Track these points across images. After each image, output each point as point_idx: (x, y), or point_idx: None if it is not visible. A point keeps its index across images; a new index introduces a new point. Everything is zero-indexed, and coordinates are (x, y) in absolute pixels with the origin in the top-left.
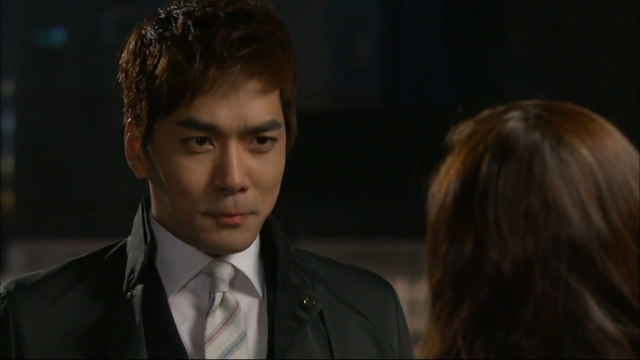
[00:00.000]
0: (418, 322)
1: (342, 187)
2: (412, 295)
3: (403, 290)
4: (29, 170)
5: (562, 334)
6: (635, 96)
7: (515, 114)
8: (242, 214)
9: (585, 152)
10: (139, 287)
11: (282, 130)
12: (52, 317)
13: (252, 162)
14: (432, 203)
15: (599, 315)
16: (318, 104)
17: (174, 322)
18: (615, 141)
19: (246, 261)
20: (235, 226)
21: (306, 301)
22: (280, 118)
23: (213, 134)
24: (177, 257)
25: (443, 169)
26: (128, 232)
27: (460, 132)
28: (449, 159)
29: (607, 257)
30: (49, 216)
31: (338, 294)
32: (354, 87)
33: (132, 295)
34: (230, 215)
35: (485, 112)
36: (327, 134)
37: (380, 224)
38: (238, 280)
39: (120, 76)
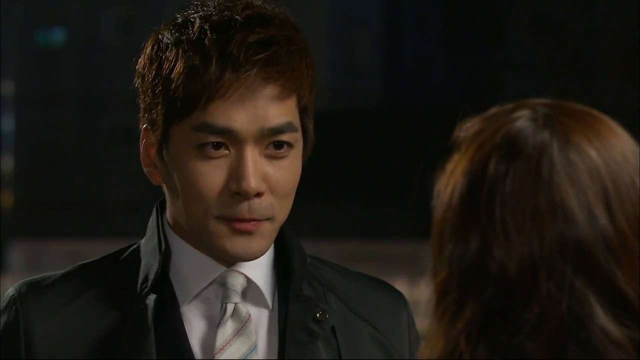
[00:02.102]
0: (418, 321)
1: (342, 187)
2: (412, 295)
3: (403, 291)
4: (29, 170)
5: (565, 336)
6: (635, 96)
7: (524, 113)
8: (256, 220)
9: (592, 153)
10: (152, 298)
11: (299, 136)
12: (64, 321)
13: (269, 168)
14: (437, 201)
15: (603, 318)
16: (318, 104)
17: (185, 332)
18: (622, 142)
19: (259, 272)
20: (248, 233)
21: (319, 315)
22: (297, 122)
23: (229, 139)
24: (191, 266)
25: (449, 167)
26: (128, 233)
27: (467, 129)
28: (456, 157)
29: (612, 259)
30: (48, 216)
31: (350, 305)
32: (354, 87)
33: (144, 305)
34: (244, 220)
35: (493, 110)
36: (327, 134)
37: (380, 224)
38: (250, 291)
39: (137, 81)
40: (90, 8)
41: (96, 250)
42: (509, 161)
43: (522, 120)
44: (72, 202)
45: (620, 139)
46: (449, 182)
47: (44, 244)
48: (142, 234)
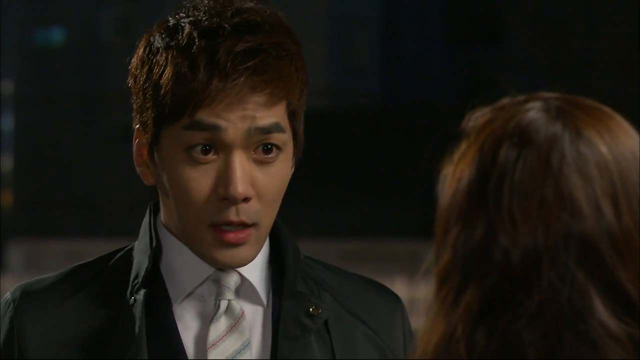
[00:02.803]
0: (418, 321)
1: (341, 187)
2: (411, 294)
3: (402, 290)
4: (28, 169)
5: (563, 327)
6: (635, 96)
7: (537, 104)
8: (245, 223)
9: (603, 148)
10: (142, 292)
11: (288, 139)
12: (55, 322)
13: (257, 173)
14: (443, 187)
15: (602, 313)
16: (318, 104)
17: (177, 328)
18: (633, 141)
19: (253, 269)
20: (236, 245)
21: (312, 309)
22: (285, 124)
23: (217, 140)
24: (184, 263)
25: (457, 155)
26: (127, 232)
27: (477, 119)
28: (464, 145)
29: (616, 255)
30: (48, 216)
31: (345, 304)
32: (354, 87)
33: (135, 300)
34: (232, 223)
35: (504, 101)
36: (327, 133)
37: (380, 223)
38: (244, 288)
39: (130, 81)
40: (90, 8)
41: (96, 250)
42: (520, 149)
43: (535, 111)
44: (72, 202)
45: (630, 137)
46: (457, 168)
47: (44, 243)
48: None
